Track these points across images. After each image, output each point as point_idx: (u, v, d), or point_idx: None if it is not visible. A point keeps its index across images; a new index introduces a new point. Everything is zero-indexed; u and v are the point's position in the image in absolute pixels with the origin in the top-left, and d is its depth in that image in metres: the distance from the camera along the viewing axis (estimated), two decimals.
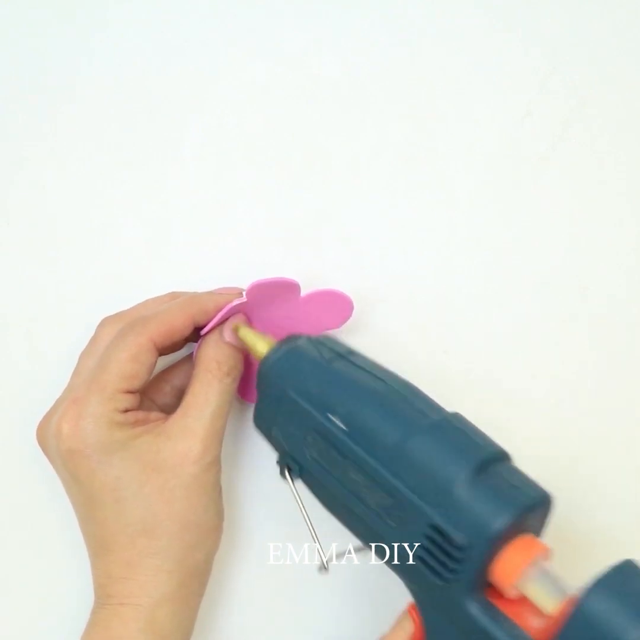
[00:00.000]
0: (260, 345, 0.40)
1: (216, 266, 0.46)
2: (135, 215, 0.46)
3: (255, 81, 0.47)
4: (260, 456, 0.46)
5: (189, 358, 0.44)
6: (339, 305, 0.43)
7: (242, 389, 0.44)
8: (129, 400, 0.39)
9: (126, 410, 0.39)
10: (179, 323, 0.40)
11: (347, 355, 0.39)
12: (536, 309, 0.46)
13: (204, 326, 0.41)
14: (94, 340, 0.42)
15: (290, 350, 0.39)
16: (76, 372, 0.42)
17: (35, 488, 0.45)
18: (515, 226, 0.47)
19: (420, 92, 0.47)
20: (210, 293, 0.43)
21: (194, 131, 0.47)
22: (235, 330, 0.41)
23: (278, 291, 0.42)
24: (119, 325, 0.41)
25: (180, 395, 0.42)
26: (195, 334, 0.42)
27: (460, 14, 0.47)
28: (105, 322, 0.42)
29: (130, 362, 0.39)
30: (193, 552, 0.40)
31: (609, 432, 0.46)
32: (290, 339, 0.40)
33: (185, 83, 0.47)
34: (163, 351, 0.41)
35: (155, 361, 0.40)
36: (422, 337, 0.44)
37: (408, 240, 0.46)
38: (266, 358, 0.39)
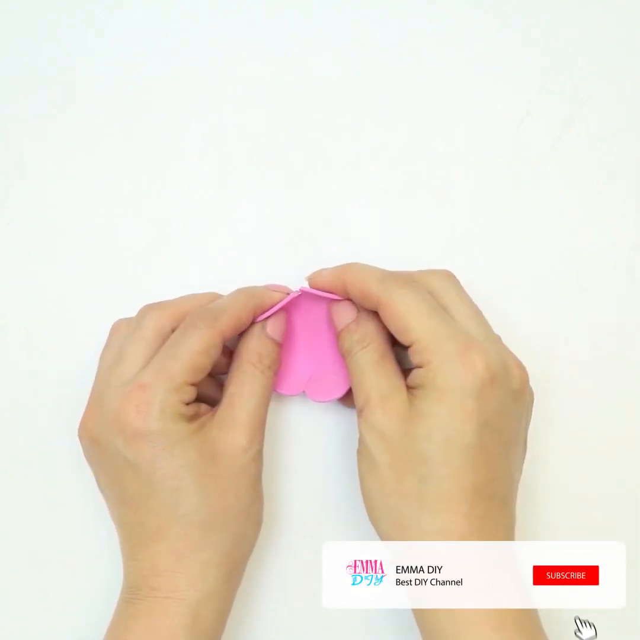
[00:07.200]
0: None
1: (216, 266, 0.46)
2: (135, 215, 0.46)
3: (255, 81, 0.47)
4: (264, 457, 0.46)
5: None
6: None
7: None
8: (192, 393, 0.39)
9: (188, 403, 0.39)
10: (245, 318, 0.40)
11: None
12: (535, 309, 0.46)
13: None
14: (138, 325, 0.41)
15: None
16: (111, 356, 0.41)
17: (35, 487, 0.45)
18: (515, 226, 0.47)
19: (420, 92, 0.47)
20: (267, 290, 0.42)
21: (194, 131, 0.47)
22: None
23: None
24: (164, 313, 0.40)
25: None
26: None
27: (460, 14, 0.47)
28: (149, 310, 0.41)
29: (201, 356, 0.39)
30: (240, 545, 0.40)
31: (609, 431, 0.46)
32: None
33: (185, 83, 0.47)
34: None
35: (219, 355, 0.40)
36: None
37: (408, 240, 0.46)
38: None
